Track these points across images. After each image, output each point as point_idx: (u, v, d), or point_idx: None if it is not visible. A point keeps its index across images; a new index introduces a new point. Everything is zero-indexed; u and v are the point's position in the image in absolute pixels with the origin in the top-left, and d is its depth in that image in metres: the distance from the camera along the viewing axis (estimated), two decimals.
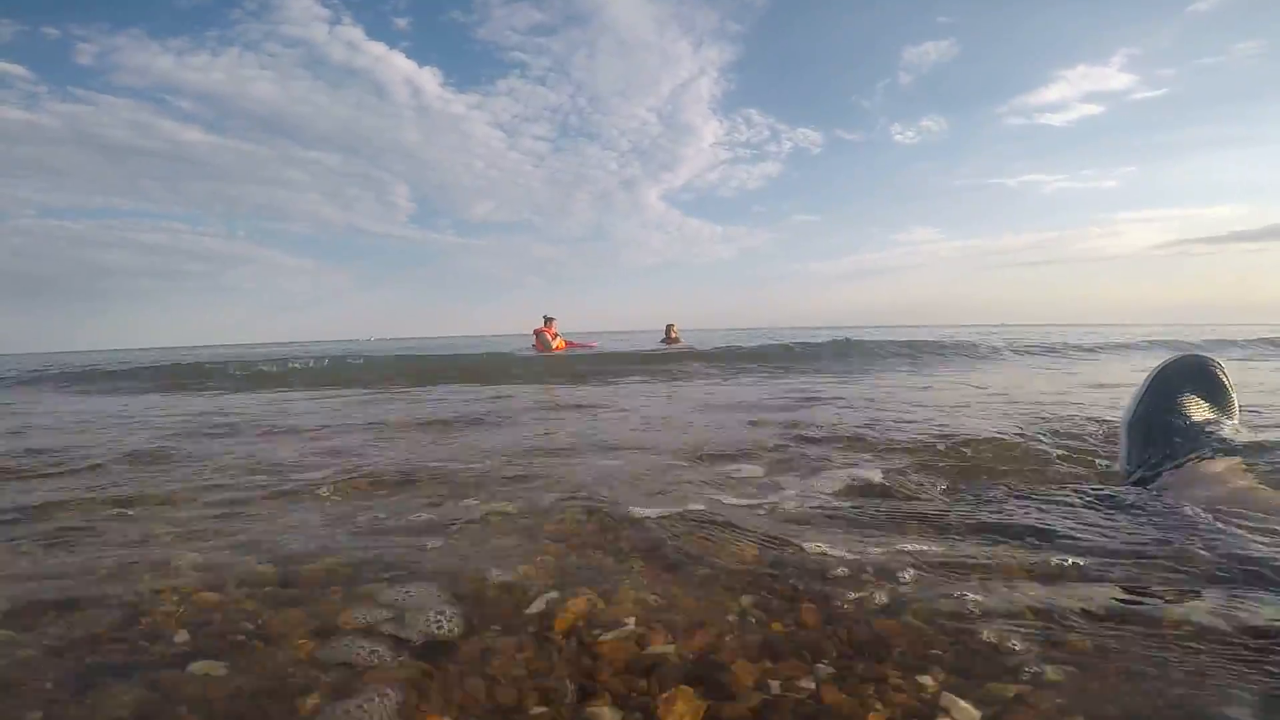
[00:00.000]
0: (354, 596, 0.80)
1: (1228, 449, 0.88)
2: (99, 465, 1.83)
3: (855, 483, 1.31)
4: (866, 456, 1.64)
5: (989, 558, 0.83)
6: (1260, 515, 0.73)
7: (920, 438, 1.86)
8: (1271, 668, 0.56)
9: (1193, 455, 0.87)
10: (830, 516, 1.09)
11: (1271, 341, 6.10)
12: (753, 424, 2.38)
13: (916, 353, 6.91)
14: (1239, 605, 0.66)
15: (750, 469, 1.55)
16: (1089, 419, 2.13)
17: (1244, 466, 0.87)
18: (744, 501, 1.22)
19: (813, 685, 0.58)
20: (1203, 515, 0.78)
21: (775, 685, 0.58)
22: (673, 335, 12.06)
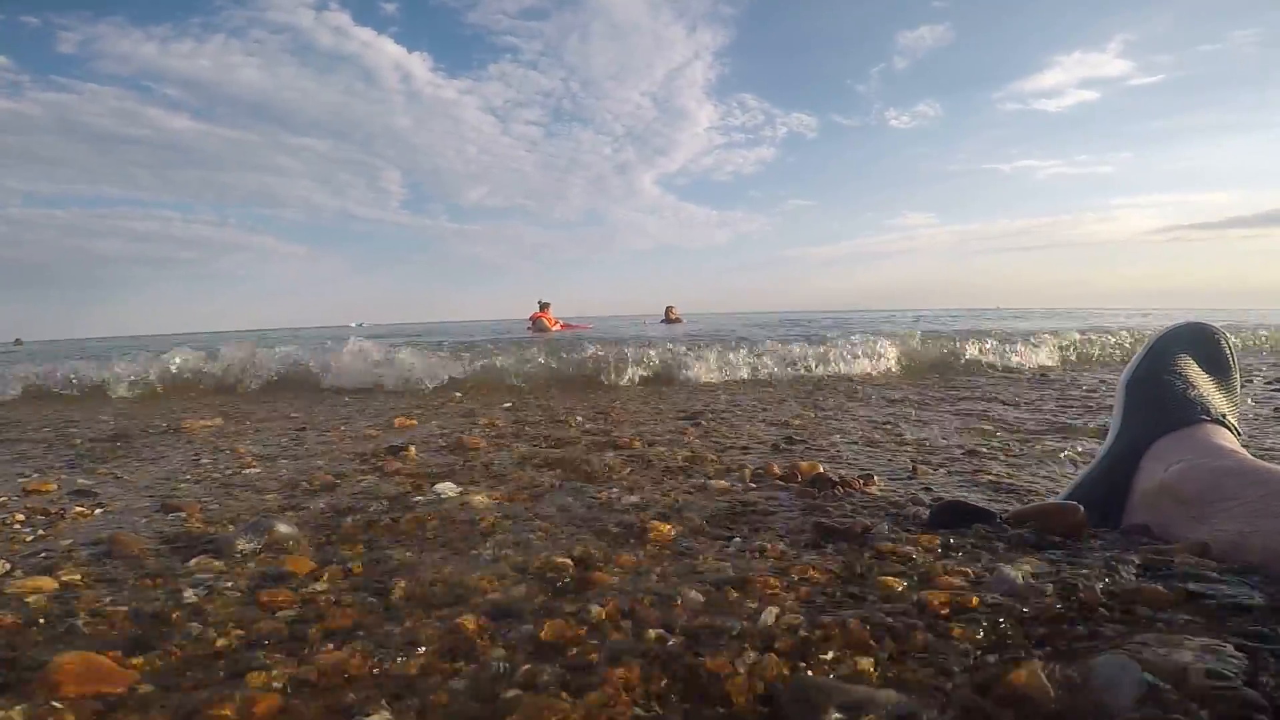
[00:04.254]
0: None
1: (1222, 419, 0.85)
2: None
3: None
4: None
5: None
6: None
7: None
8: None
9: (1188, 421, 0.84)
10: None
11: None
12: None
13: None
14: None
15: None
16: None
17: (1237, 439, 0.84)
18: None
19: None
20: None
21: None
22: (673, 315, 12.48)
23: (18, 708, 0.46)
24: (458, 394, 3.11)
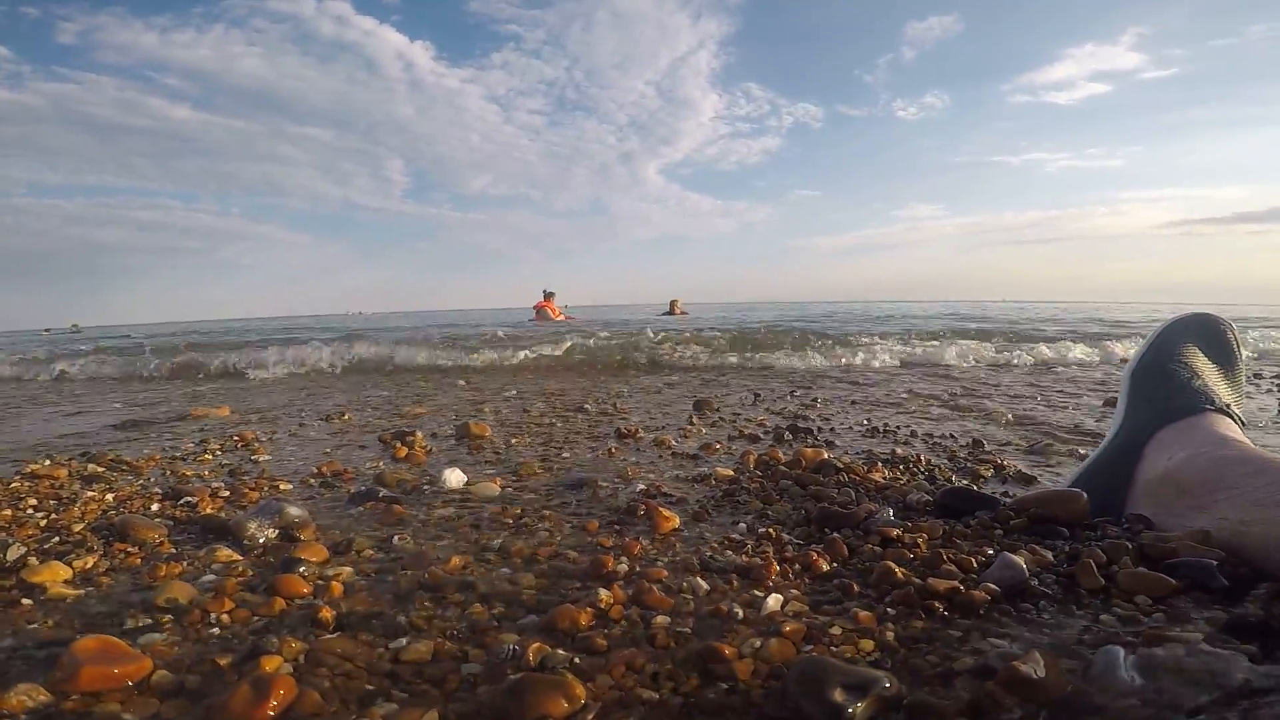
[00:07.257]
0: None
1: (1226, 409, 0.85)
2: None
3: None
4: None
5: None
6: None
7: None
8: None
9: (1191, 411, 0.84)
10: None
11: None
12: None
13: None
14: None
15: None
16: None
17: (1241, 428, 0.84)
18: None
19: None
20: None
21: None
22: (677, 310, 12.47)
23: (39, 689, 0.48)
24: (461, 381, 3.12)
